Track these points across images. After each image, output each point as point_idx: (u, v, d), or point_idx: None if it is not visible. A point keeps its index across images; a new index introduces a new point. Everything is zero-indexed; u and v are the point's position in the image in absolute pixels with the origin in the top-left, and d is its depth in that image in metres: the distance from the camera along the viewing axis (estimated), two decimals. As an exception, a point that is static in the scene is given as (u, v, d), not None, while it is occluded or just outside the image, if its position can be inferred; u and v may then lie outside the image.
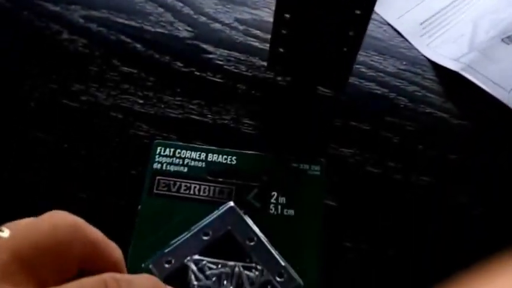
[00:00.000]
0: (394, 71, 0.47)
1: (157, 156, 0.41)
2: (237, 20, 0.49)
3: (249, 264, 0.37)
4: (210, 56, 0.47)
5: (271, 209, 0.40)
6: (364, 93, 0.46)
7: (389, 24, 0.51)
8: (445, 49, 0.49)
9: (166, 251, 0.37)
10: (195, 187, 0.40)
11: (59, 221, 0.25)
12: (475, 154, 0.43)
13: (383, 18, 0.51)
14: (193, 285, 0.36)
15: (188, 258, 0.37)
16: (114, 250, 0.28)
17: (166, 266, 0.36)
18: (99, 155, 0.42)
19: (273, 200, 0.40)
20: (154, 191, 0.40)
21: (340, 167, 0.42)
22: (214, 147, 0.42)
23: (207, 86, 0.45)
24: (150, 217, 0.39)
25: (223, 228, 0.38)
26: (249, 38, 0.48)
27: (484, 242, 0.40)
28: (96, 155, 0.42)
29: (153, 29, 0.48)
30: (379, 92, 0.46)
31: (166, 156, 0.41)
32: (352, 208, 0.41)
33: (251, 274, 0.36)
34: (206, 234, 0.38)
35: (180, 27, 0.49)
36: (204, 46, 0.48)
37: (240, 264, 0.36)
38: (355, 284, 0.38)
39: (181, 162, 0.41)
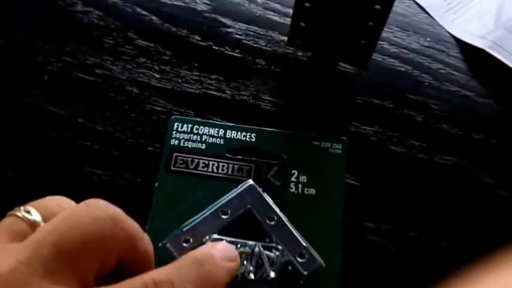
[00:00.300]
0: (417, 47, 0.46)
1: (174, 132, 0.40)
2: (256, -7, 0.48)
3: (269, 244, 0.36)
4: (229, 29, 0.46)
5: (292, 188, 0.39)
6: (387, 70, 0.45)
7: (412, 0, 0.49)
8: (470, 26, 0.48)
9: (184, 229, 0.36)
10: (213, 164, 0.39)
11: (100, 213, 0.25)
12: (500, 134, 0.42)
13: (406, -7, 0.49)
14: (213, 264, 0.35)
15: (207, 237, 0.36)
16: (147, 242, 0.27)
17: (185, 245, 0.35)
18: (115, 131, 0.41)
19: (293, 179, 0.39)
20: (172, 168, 0.39)
21: (362, 145, 0.41)
22: (232, 124, 0.41)
23: (225, 60, 0.44)
24: (167, 195, 0.38)
25: (243, 207, 0.37)
26: (268, 12, 0.47)
27: (509, 224, 0.39)
28: (112, 130, 0.41)
29: (170, 2, 0.47)
30: (402, 69, 0.45)
31: (183, 132, 0.40)
32: (374, 187, 0.40)
33: (271, 254, 0.35)
34: (225, 213, 0.37)
35: (197, 0, 0.47)
36: (223, 19, 0.46)
37: (260, 244, 0.36)
38: (377, 265, 0.37)
39: (199, 139, 0.40)
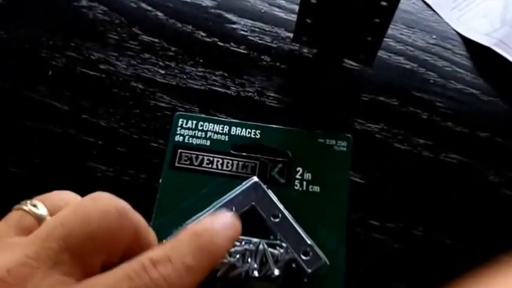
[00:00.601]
0: (423, 45, 0.46)
1: (178, 128, 0.40)
2: (261, -11, 0.48)
3: (273, 242, 0.36)
4: (234, 26, 0.46)
5: (296, 185, 0.38)
6: (393, 68, 0.44)
7: (418, -3, 0.49)
8: (476, 23, 0.47)
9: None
10: (217, 161, 0.39)
11: (107, 207, 0.25)
12: (505, 132, 0.42)
13: (412, -10, 0.49)
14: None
15: (211, 234, 0.36)
16: (152, 235, 0.27)
17: (189, 241, 0.35)
18: (119, 127, 0.41)
19: (298, 176, 0.39)
20: (176, 164, 0.39)
21: (367, 143, 0.41)
22: (237, 121, 0.41)
23: (230, 57, 0.44)
24: (172, 191, 0.38)
25: (247, 203, 0.37)
26: (274, 8, 0.47)
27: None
28: (116, 126, 0.41)
29: (175, -3, 0.47)
30: (408, 66, 0.45)
31: (188, 128, 0.40)
32: (378, 185, 0.40)
33: (275, 252, 0.35)
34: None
35: (202, -4, 0.47)
36: (228, 16, 0.46)
37: (264, 241, 0.35)
38: (381, 263, 0.37)
39: (203, 135, 0.40)
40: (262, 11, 0.47)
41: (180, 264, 0.24)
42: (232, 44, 0.45)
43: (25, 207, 0.26)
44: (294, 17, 0.43)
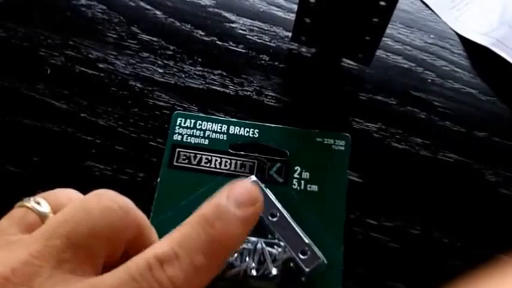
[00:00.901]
0: (421, 44, 0.46)
1: (177, 127, 0.40)
2: (259, -12, 0.48)
3: (271, 241, 0.36)
4: (233, 25, 0.46)
5: (294, 184, 0.38)
6: (391, 67, 0.45)
7: (416, -4, 0.49)
8: (475, 23, 0.47)
9: (186, 225, 0.36)
10: (216, 160, 0.39)
11: (110, 203, 0.24)
12: (503, 132, 0.42)
13: (410, -10, 0.49)
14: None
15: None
16: (154, 233, 0.27)
17: (187, 240, 0.35)
18: (117, 126, 0.41)
19: (296, 175, 0.39)
20: (174, 163, 0.39)
21: (365, 142, 0.41)
22: (236, 120, 0.41)
23: (229, 56, 0.44)
24: (170, 190, 0.38)
25: (245, 203, 0.37)
26: (272, 7, 0.47)
27: (511, 222, 0.39)
28: (114, 125, 0.41)
29: (173, -4, 0.47)
30: (405, 66, 0.45)
31: (186, 127, 0.40)
32: (376, 184, 0.40)
33: (273, 251, 0.35)
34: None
35: (201, -5, 0.47)
36: (227, 15, 0.46)
37: (262, 240, 0.35)
38: (379, 262, 0.37)
39: (202, 134, 0.40)
40: (261, 10, 0.47)
41: (188, 264, 0.23)
42: (230, 43, 0.45)
43: (28, 204, 0.26)
44: (292, 17, 0.43)
